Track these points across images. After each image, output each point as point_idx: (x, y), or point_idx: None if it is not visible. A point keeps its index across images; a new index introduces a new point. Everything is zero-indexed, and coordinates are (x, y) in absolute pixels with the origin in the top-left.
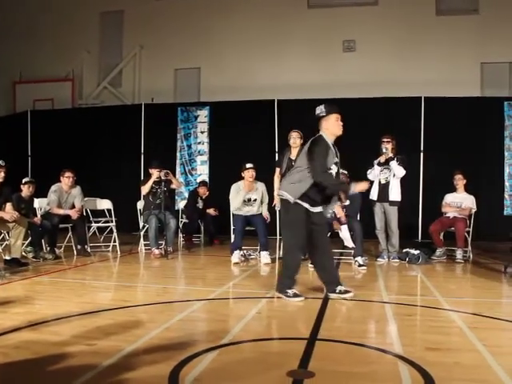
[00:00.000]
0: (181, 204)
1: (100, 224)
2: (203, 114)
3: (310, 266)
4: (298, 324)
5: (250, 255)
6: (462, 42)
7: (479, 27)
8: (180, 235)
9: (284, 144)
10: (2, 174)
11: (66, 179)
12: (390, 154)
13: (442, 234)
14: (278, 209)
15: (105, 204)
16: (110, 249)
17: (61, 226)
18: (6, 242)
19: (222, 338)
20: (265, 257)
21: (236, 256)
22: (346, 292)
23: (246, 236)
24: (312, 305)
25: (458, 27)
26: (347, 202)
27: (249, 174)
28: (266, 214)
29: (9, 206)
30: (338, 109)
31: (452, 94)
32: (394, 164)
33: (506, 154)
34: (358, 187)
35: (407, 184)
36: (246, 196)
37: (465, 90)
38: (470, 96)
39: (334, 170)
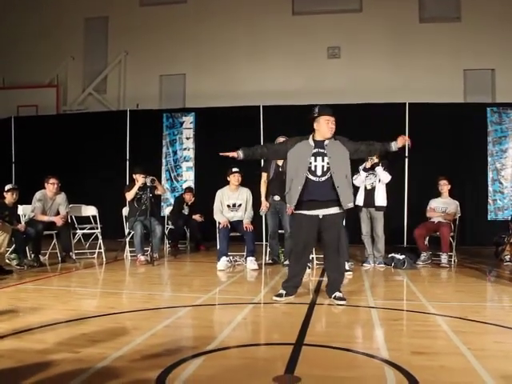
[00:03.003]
0: (167, 210)
1: (85, 231)
2: (188, 120)
3: None
4: (284, 329)
5: (236, 261)
6: (445, 49)
7: (462, 34)
8: (166, 241)
9: None
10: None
11: (51, 186)
12: (376, 160)
13: (426, 238)
14: (262, 214)
15: (90, 210)
16: (96, 255)
17: (45, 232)
18: None
19: (208, 344)
20: (252, 262)
21: (222, 264)
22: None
23: (233, 242)
24: (298, 310)
25: (441, 34)
26: None
27: (234, 178)
28: (247, 223)
29: None
30: (329, 111)
31: (436, 100)
32: (379, 170)
33: (489, 159)
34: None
35: (392, 189)
36: (229, 201)
37: (448, 97)
38: (454, 102)
39: (314, 162)
